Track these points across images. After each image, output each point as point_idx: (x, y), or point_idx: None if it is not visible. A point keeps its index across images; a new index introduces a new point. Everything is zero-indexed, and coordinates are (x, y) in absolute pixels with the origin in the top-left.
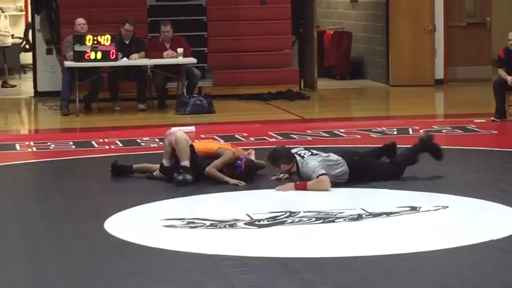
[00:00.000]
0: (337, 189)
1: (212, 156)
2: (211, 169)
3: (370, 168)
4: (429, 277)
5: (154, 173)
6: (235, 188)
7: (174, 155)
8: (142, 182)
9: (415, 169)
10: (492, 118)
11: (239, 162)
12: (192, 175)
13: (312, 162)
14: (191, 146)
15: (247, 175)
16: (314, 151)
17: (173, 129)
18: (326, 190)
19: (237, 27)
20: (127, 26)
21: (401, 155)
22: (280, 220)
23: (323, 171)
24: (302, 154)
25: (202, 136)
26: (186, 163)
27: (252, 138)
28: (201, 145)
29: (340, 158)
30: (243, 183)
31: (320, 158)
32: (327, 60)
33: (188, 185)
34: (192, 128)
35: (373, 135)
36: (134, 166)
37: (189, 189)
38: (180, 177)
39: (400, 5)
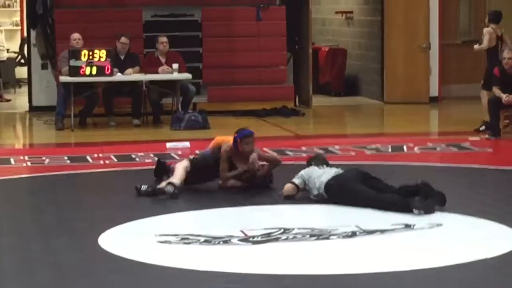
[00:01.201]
0: (332, 206)
1: (217, 149)
2: (223, 182)
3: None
4: None
5: (165, 189)
6: (230, 204)
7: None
8: (137, 198)
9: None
10: (487, 136)
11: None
12: (174, 189)
13: (303, 170)
14: (192, 161)
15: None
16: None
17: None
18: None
19: (232, 43)
20: (123, 39)
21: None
22: (275, 237)
23: (295, 180)
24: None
25: (197, 152)
26: (174, 181)
27: None
28: (220, 139)
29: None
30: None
31: (319, 171)
32: (322, 77)
33: (174, 198)
34: (187, 143)
35: (368, 152)
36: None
37: (184, 204)
38: (167, 188)
39: (395, 23)
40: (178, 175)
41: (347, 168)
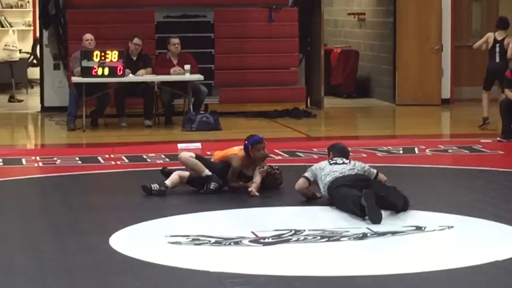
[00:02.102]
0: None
1: (225, 162)
2: (229, 184)
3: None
4: None
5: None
6: (241, 205)
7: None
8: (147, 198)
9: (421, 188)
10: (499, 138)
11: None
12: (216, 180)
13: (316, 164)
14: (198, 157)
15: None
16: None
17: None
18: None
19: (244, 45)
20: (136, 40)
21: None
22: (285, 238)
23: (306, 174)
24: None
25: (208, 153)
26: (206, 172)
27: None
28: (220, 154)
29: (336, 173)
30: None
31: (327, 168)
32: (334, 79)
33: (219, 190)
34: (198, 145)
35: (379, 154)
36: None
37: (194, 206)
38: (212, 186)
39: (407, 25)
40: (199, 166)
41: (350, 172)
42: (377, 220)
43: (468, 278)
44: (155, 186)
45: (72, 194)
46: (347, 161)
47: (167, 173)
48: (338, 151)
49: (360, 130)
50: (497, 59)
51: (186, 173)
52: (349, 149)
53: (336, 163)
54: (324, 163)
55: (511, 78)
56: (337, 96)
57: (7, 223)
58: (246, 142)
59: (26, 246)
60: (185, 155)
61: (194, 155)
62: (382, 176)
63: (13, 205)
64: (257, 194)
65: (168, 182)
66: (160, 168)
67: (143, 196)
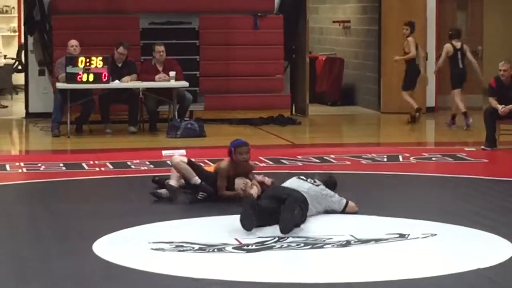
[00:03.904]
0: (326, 216)
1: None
2: (219, 192)
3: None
4: None
5: (159, 190)
6: (224, 212)
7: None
8: (132, 204)
9: (404, 196)
10: (483, 147)
11: None
12: (205, 189)
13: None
14: (191, 162)
15: None
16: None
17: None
18: None
19: (230, 52)
20: (121, 49)
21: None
22: (269, 245)
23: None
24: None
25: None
26: (195, 180)
27: None
28: (210, 169)
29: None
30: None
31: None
32: (319, 86)
33: (207, 198)
34: (183, 151)
35: (364, 161)
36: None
37: (178, 212)
38: (199, 196)
39: (392, 33)
40: (189, 173)
41: (301, 189)
42: (246, 226)
43: (451, 286)
44: (163, 191)
45: (56, 200)
46: (318, 184)
47: (158, 181)
48: (323, 177)
49: (345, 138)
50: (461, 65)
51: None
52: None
53: (303, 179)
54: (294, 177)
55: (495, 87)
56: (322, 104)
57: None
58: (230, 145)
59: (9, 252)
60: (177, 159)
61: (186, 160)
62: (351, 207)
63: None
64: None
65: (172, 182)
66: (151, 175)
67: (126, 202)
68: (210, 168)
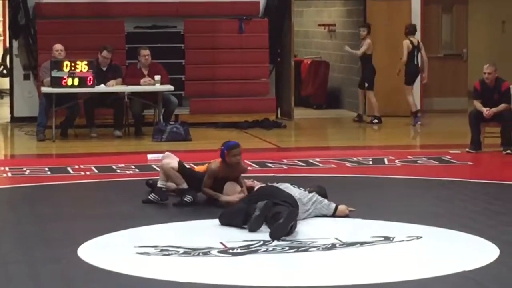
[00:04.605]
0: (311, 219)
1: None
2: (203, 189)
3: None
4: None
5: (149, 197)
6: (209, 216)
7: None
8: (117, 209)
9: (390, 199)
10: (467, 149)
11: None
12: (192, 194)
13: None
14: (181, 165)
15: None
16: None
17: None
18: None
19: (215, 55)
20: (104, 53)
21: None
22: (254, 249)
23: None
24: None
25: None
26: (183, 186)
27: None
28: (203, 167)
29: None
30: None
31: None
32: (304, 90)
33: (191, 205)
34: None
35: (349, 164)
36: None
37: (163, 216)
38: (186, 199)
39: (377, 36)
40: (177, 178)
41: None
42: (252, 229)
43: None
44: (152, 196)
45: (41, 204)
46: (310, 190)
47: (151, 185)
48: (314, 188)
49: (330, 141)
50: (415, 62)
51: (174, 164)
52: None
53: (296, 187)
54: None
55: (479, 89)
56: (308, 107)
57: None
58: (222, 147)
59: None
60: (167, 165)
61: (176, 163)
62: (341, 210)
63: None
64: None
65: (160, 183)
66: (136, 179)
67: (111, 206)
68: (202, 167)
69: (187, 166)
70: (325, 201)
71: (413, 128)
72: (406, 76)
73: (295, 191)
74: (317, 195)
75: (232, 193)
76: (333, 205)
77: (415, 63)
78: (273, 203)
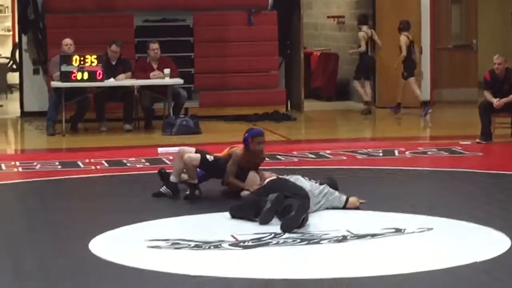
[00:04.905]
0: (322, 211)
1: (229, 158)
2: (226, 177)
3: None
4: None
5: (160, 189)
6: (220, 209)
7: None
8: (128, 202)
9: (400, 191)
10: (478, 140)
11: None
12: (194, 190)
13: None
14: (203, 158)
15: None
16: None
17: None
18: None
19: (224, 48)
20: (113, 47)
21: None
22: (265, 242)
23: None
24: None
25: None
26: (194, 181)
27: None
28: (224, 152)
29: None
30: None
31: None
32: (314, 82)
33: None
34: (178, 148)
35: (359, 156)
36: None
37: (174, 210)
38: (196, 192)
39: (386, 27)
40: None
41: (303, 188)
42: (263, 221)
43: (447, 280)
44: (164, 189)
45: (52, 198)
46: (321, 183)
47: (163, 174)
48: (324, 179)
49: (340, 133)
50: (412, 56)
51: (196, 157)
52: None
53: (305, 179)
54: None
55: (490, 80)
56: (317, 99)
57: None
58: (246, 134)
59: (5, 251)
60: (189, 162)
61: (198, 160)
62: (352, 202)
63: None
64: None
65: (173, 178)
66: (146, 173)
67: (122, 200)
68: (223, 152)
69: (208, 157)
70: (336, 193)
71: (423, 119)
72: (407, 70)
73: (306, 184)
74: (328, 187)
75: (255, 184)
76: (344, 197)
77: (412, 57)
78: (284, 196)
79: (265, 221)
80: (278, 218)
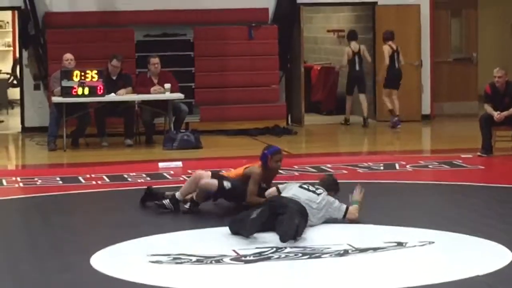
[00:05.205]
0: (323, 225)
1: (245, 180)
2: (249, 198)
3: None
4: None
5: (164, 202)
6: (221, 223)
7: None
8: (129, 217)
9: (401, 204)
10: (479, 154)
11: None
12: (194, 207)
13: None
14: (220, 185)
15: None
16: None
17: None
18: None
19: (225, 63)
20: (114, 62)
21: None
22: (266, 256)
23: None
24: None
25: (189, 171)
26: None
27: None
28: (232, 173)
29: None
30: None
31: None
32: (314, 95)
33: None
34: (179, 163)
35: (360, 170)
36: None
37: (175, 224)
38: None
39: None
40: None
41: (296, 200)
42: (245, 233)
43: None
44: (167, 203)
45: (53, 214)
46: (319, 192)
47: (151, 193)
48: (324, 181)
49: (341, 147)
50: (396, 66)
51: (214, 183)
52: (330, 165)
53: (305, 189)
54: (297, 184)
55: (490, 93)
56: (317, 113)
57: None
58: (266, 151)
59: (6, 266)
60: (207, 184)
61: (216, 185)
62: (351, 212)
63: None
64: None
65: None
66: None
67: (123, 215)
68: (234, 172)
69: (226, 184)
70: (336, 202)
71: (391, 131)
72: (385, 80)
73: (302, 198)
74: (327, 197)
75: None
76: (344, 207)
77: (396, 66)
78: (277, 214)
79: (248, 233)
80: (276, 232)
